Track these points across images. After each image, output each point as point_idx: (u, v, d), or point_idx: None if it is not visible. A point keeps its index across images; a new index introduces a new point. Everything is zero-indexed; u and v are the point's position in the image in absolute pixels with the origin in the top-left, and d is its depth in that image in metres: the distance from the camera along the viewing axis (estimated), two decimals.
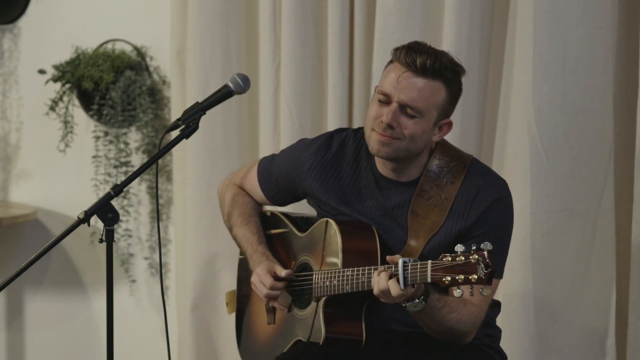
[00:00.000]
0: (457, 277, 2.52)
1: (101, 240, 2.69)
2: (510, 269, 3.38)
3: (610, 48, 3.52)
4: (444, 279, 2.54)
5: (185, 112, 2.78)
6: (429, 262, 2.57)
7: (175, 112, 4.25)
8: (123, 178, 4.29)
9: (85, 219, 2.67)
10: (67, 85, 4.33)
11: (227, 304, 3.31)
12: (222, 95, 2.81)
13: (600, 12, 3.49)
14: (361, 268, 2.76)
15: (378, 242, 2.85)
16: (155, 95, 4.37)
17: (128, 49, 4.40)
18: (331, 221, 2.90)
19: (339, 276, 2.81)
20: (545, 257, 3.56)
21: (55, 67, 4.35)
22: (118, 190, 2.71)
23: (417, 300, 2.64)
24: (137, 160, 4.40)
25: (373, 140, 2.83)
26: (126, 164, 4.37)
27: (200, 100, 2.80)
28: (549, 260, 3.57)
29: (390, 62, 2.84)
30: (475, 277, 2.50)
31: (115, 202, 2.73)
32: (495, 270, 2.51)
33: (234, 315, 3.27)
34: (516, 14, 3.58)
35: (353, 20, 3.89)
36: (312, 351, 2.89)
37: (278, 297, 2.98)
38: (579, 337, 3.60)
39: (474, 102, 3.69)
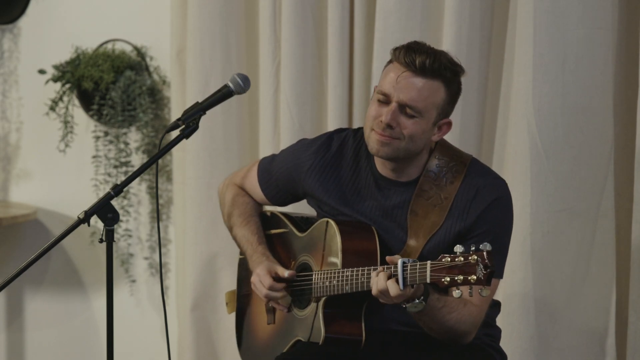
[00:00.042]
0: (456, 278, 2.52)
1: (101, 240, 2.69)
2: (510, 269, 3.38)
3: (610, 48, 3.52)
4: (443, 280, 2.54)
5: (185, 112, 2.78)
6: (428, 262, 2.57)
7: (175, 112, 4.25)
8: (123, 178, 4.29)
9: (85, 219, 2.67)
10: (67, 85, 4.33)
11: (227, 303, 3.31)
12: (222, 95, 2.81)
13: (600, 12, 3.49)
14: (361, 268, 2.76)
15: (378, 242, 2.85)
16: (155, 95, 4.37)
17: (128, 49, 4.40)
18: (331, 221, 2.90)
19: (338, 276, 2.81)
20: (545, 257, 3.56)
21: (55, 67, 4.35)
22: (118, 190, 2.71)
23: (417, 301, 2.64)
24: (137, 160, 4.40)
25: (372, 140, 2.83)
26: (126, 164, 4.37)
27: (200, 100, 2.80)
28: (549, 260, 3.57)
29: (390, 62, 2.84)
30: (474, 277, 2.50)
31: (115, 202, 2.73)
32: (494, 271, 2.51)
33: (234, 315, 3.27)
34: (516, 14, 3.58)
35: (353, 20, 3.89)
36: (312, 351, 2.89)
37: (278, 297, 2.98)
38: (579, 337, 3.60)
39: (474, 102, 3.69)
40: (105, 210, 2.69)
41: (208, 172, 4.16)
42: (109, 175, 4.38)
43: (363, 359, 2.87)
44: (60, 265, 4.59)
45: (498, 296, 3.16)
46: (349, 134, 3.01)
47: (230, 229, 3.18)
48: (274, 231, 3.14)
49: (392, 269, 2.63)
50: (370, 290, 2.68)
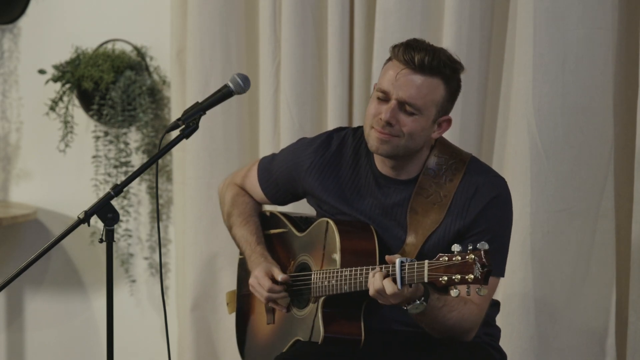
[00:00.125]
0: (453, 277, 2.52)
1: (101, 240, 2.69)
2: (510, 269, 3.38)
3: (610, 48, 3.52)
4: (440, 279, 2.54)
5: (185, 112, 2.78)
6: (426, 262, 2.57)
7: (175, 112, 4.25)
8: (123, 178, 4.29)
9: (85, 219, 2.67)
10: (67, 85, 4.33)
11: (227, 303, 3.31)
12: (222, 95, 2.81)
13: (600, 12, 3.49)
14: (359, 268, 2.76)
15: (376, 242, 2.85)
16: (155, 95, 4.37)
17: (128, 49, 4.40)
18: (330, 221, 2.90)
19: (337, 276, 2.81)
20: (545, 257, 3.56)
21: (55, 67, 4.35)
22: (118, 190, 2.71)
23: (417, 302, 2.65)
24: (137, 160, 4.40)
25: (372, 138, 2.83)
26: (126, 164, 4.37)
27: (200, 100, 2.80)
28: (549, 260, 3.57)
29: (389, 59, 2.84)
30: (472, 276, 2.50)
31: (115, 202, 2.72)
32: (491, 270, 2.52)
33: (234, 315, 3.27)
34: (516, 14, 3.58)
35: (353, 20, 3.88)
36: (311, 351, 2.89)
37: (277, 299, 2.98)
38: (579, 337, 3.60)
39: (474, 102, 3.69)
40: (105, 210, 2.69)
41: (208, 172, 4.16)
42: (109, 175, 4.38)
43: (362, 359, 2.87)
44: (60, 265, 4.59)
45: (498, 296, 3.16)
46: (349, 132, 3.02)
47: (230, 229, 3.18)
48: (273, 231, 3.14)
49: (390, 269, 2.63)
50: (368, 290, 2.68)
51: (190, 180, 4.19)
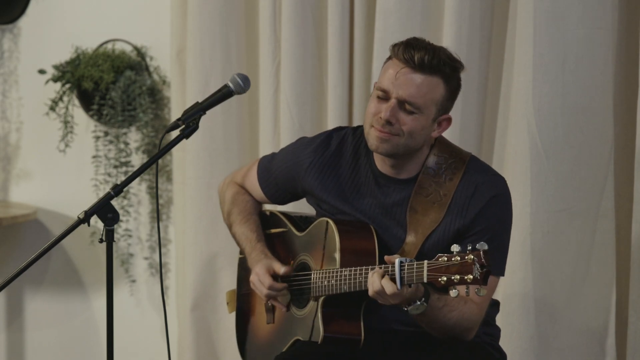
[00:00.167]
0: (452, 278, 2.53)
1: (101, 240, 2.69)
2: (510, 269, 3.38)
3: (610, 48, 3.52)
4: (439, 279, 2.54)
5: (185, 112, 2.78)
6: (425, 262, 2.57)
7: (175, 112, 4.25)
8: (123, 178, 4.29)
9: (85, 219, 2.67)
10: (67, 85, 4.33)
11: (227, 303, 3.31)
12: (222, 95, 2.81)
13: (600, 12, 3.49)
14: (359, 268, 2.76)
15: (376, 242, 2.85)
16: (155, 95, 4.37)
17: (128, 49, 4.40)
18: (329, 221, 2.90)
19: (336, 276, 2.81)
20: (545, 257, 3.56)
21: (55, 67, 4.35)
22: (118, 190, 2.71)
23: (418, 303, 2.65)
24: (137, 160, 4.40)
25: (372, 137, 2.83)
26: (126, 164, 4.37)
27: (200, 100, 2.80)
28: (549, 260, 3.57)
29: (389, 58, 2.84)
30: (471, 277, 2.51)
31: (115, 202, 2.72)
32: (490, 270, 2.52)
33: (233, 315, 3.27)
34: (516, 14, 3.58)
35: (353, 20, 3.88)
36: (311, 351, 2.89)
37: (277, 296, 2.98)
38: (579, 337, 3.60)
39: (474, 102, 3.69)
40: (105, 210, 2.69)
41: (208, 172, 4.16)
42: (109, 175, 4.38)
43: (362, 359, 2.87)
44: (60, 265, 4.59)
45: (498, 296, 3.16)
46: (348, 132, 3.02)
47: (230, 227, 3.18)
48: (273, 230, 3.14)
49: (390, 269, 2.63)
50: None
51: (190, 180, 4.19)
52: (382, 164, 2.92)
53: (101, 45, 4.39)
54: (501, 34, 3.70)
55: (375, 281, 2.63)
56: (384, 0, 3.74)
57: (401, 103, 2.79)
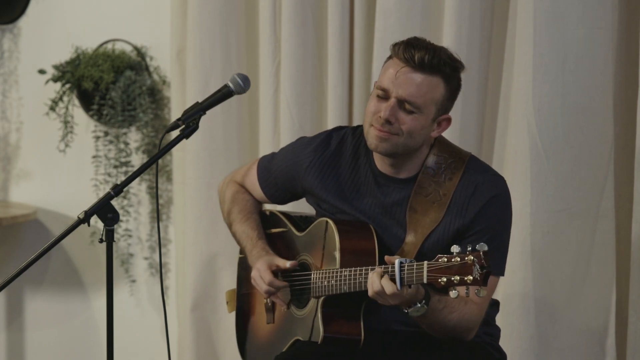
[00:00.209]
0: (452, 278, 2.52)
1: (101, 240, 2.69)
2: (510, 269, 3.38)
3: (610, 48, 3.52)
4: (439, 280, 2.54)
5: (185, 112, 2.78)
6: (425, 263, 2.57)
7: (175, 112, 4.25)
8: (123, 178, 4.29)
9: (85, 219, 2.67)
10: (67, 85, 4.33)
11: (227, 302, 3.31)
12: (222, 95, 2.81)
13: (600, 12, 3.49)
14: (359, 268, 2.76)
15: (376, 242, 2.85)
16: (155, 95, 4.38)
17: (128, 49, 4.40)
18: (329, 220, 2.90)
19: (336, 276, 2.81)
20: (545, 257, 3.56)
21: (55, 67, 4.35)
22: (118, 190, 2.71)
23: (418, 305, 2.65)
24: (137, 160, 4.40)
25: (371, 136, 2.83)
26: (126, 164, 4.37)
27: (200, 100, 2.80)
28: (549, 260, 3.57)
29: (389, 57, 2.84)
30: (471, 278, 2.50)
31: (115, 202, 2.72)
32: (490, 271, 2.51)
33: (234, 315, 3.27)
34: (516, 14, 3.58)
35: (353, 20, 3.89)
36: (311, 351, 2.89)
37: (277, 293, 2.98)
38: (579, 337, 3.60)
39: (474, 102, 3.69)
40: (105, 210, 2.69)
41: (208, 172, 4.16)
42: (109, 175, 4.38)
43: (362, 359, 2.87)
44: (60, 265, 4.59)
45: (498, 296, 3.16)
46: (348, 131, 3.02)
47: (230, 226, 3.18)
48: (273, 230, 3.14)
49: (390, 269, 2.63)
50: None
51: (190, 180, 4.19)
52: (381, 164, 2.92)
53: (101, 45, 4.39)
54: (501, 34, 3.71)
55: (375, 281, 2.63)
56: (384, 0, 3.74)
57: (401, 102, 2.79)
